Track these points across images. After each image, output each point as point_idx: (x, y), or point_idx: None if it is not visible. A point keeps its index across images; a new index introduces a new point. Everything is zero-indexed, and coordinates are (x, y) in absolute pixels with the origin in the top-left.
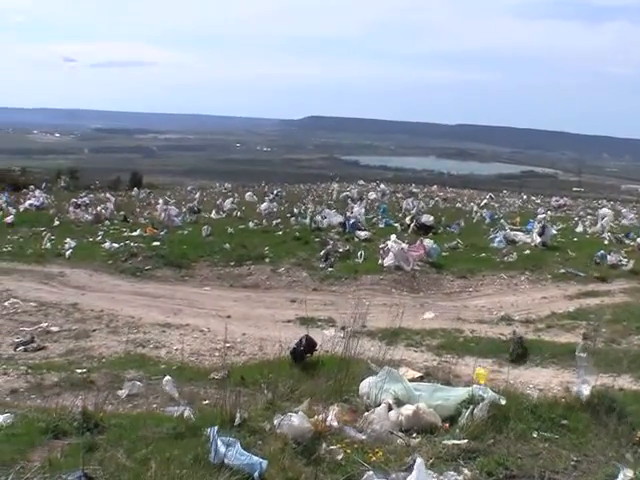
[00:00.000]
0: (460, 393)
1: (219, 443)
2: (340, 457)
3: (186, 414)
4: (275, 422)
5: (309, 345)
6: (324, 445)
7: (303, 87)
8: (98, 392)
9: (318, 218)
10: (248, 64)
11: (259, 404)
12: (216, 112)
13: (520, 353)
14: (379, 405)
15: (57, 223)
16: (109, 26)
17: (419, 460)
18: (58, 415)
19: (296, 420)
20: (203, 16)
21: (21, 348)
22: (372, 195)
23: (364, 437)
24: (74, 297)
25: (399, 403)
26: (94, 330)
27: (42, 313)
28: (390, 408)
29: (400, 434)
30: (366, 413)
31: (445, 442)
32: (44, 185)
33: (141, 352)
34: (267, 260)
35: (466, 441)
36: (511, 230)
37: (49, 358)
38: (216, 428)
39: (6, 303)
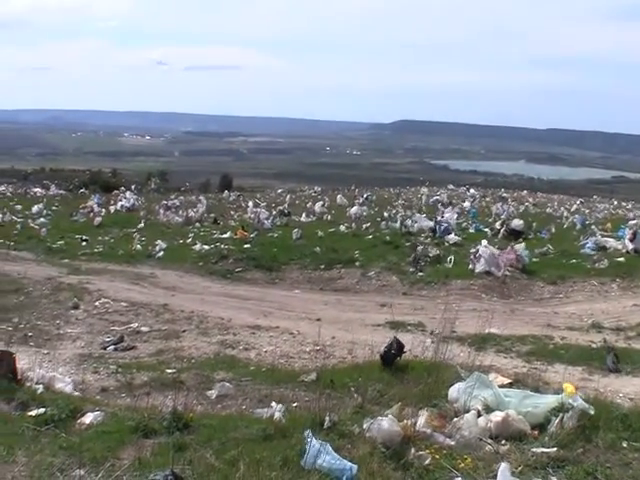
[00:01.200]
0: (550, 401)
1: (313, 446)
2: (428, 463)
3: (276, 416)
4: (364, 426)
5: (399, 348)
6: (413, 450)
7: (394, 91)
8: (188, 392)
9: (408, 222)
10: (339, 68)
11: (348, 407)
12: (307, 116)
13: (616, 363)
14: (468, 411)
15: (147, 224)
16: (201, 30)
17: (504, 465)
18: (148, 414)
19: (386, 424)
20: (295, 20)
21: (111, 347)
22: (465, 203)
23: (453, 443)
24: (164, 298)
25: (488, 409)
26: (184, 331)
27: (133, 313)
28: (479, 414)
29: (489, 441)
30: (455, 419)
31: (534, 450)
32: (135, 187)
33: (231, 353)
34: (357, 264)
35: (555, 449)
36: (602, 236)
37: (139, 358)
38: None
39: (97, 303)
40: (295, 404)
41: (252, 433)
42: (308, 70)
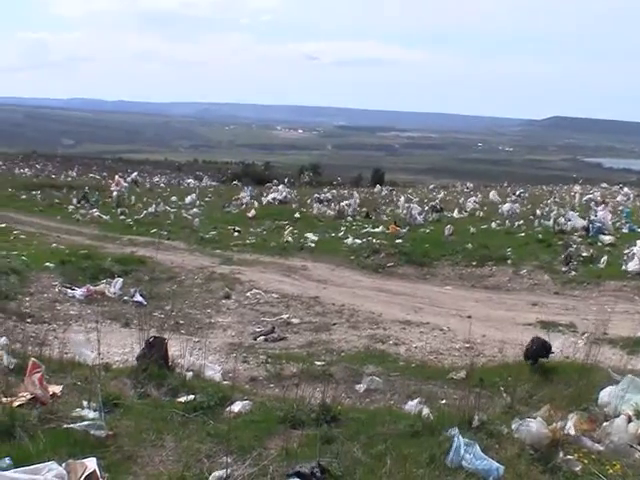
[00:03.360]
0: None
1: (461, 444)
2: (577, 468)
3: (424, 413)
4: (513, 426)
5: (542, 347)
6: (561, 454)
7: (548, 87)
8: (337, 385)
9: (561, 220)
10: (491, 62)
11: (497, 407)
12: (459, 111)
13: None
14: (618, 416)
15: (299, 217)
16: (352, 25)
17: None
18: (296, 405)
19: (534, 426)
20: (446, 15)
21: (262, 338)
22: (618, 198)
23: (601, 448)
24: (315, 290)
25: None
26: (334, 324)
27: (283, 305)
28: (630, 420)
29: (639, 448)
30: (605, 424)
31: None
32: (287, 180)
33: (380, 348)
34: (509, 261)
35: None
36: None
37: (289, 349)
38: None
39: (249, 294)
40: (443, 401)
41: (399, 429)
42: (460, 65)
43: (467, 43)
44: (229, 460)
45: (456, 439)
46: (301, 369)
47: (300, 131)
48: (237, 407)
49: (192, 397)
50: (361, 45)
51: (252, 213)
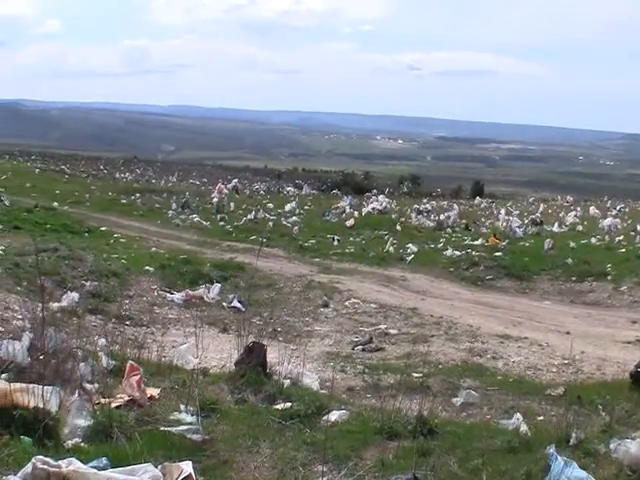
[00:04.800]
0: None
1: (559, 462)
2: None
3: (521, 429)
4: (611, 446)
5: None
6: None
7: None
8: (434, 398)
9: None
10: (593, 75)
11: (595, 426)
12: (560, 124)
13: None
14: None
15: (399, 228)
16: (453, 35)
17: None
18: (393, 416)
19: (633, 447)
20: (551, 26)
21: (359, 347)
22: None
23: None
24: (414, 301)
25: None
26: (432, 336)
27: (382, 315)
28: None
29: None
30: None
31: None
32: (387, 190)
33: (478, 361)
34: (609, 278)
35: None
36: None
37: (386, 359)
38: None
39: (347, 303)
40: (541, 418)
41: (496, 444)
42: (562, 77)
43: (566, 56)
44: (325, 469)
45: (554, 457)
46: (398, 380)
47: (400, 141)
48: (334, 416)
49: (289, 405)
50: (462, 56)
51: (351, 222)
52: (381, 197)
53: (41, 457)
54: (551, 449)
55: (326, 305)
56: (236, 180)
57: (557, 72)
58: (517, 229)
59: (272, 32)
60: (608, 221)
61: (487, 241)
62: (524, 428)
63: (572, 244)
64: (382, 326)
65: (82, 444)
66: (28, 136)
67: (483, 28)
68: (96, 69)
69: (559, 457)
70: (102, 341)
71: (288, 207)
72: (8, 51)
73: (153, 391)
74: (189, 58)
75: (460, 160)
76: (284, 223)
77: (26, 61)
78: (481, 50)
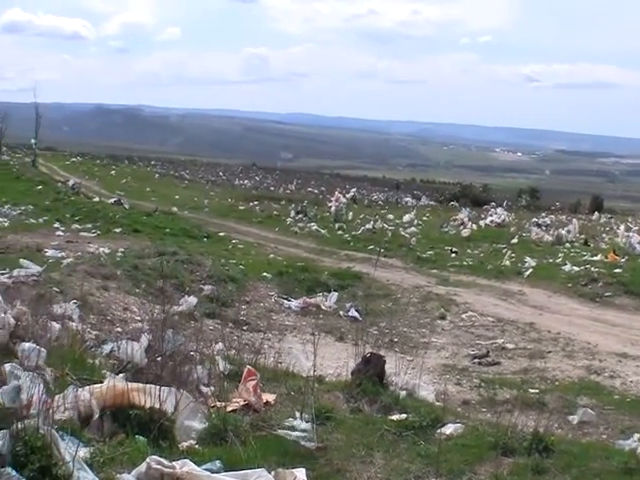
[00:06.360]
0: None
1: None
2: None
3: (639, 450)
4: None
5: None
6: None
7: None
8: (550, 415)
9: None
10: None
11: None
12: None
13: None
14: None
15: (517, 241)
16: (573, 47)
17: None
18: (509, 432)
19: None
20: None
21: (476, 361)
22: None
23: None
24: (531, 316)
25: None
26: (549, 352)
27: (499, 329)
28: None
29: None
30: None
31: None
32: (505, 203)
33: (595, 380)
34: None
35: None
36: None
37: (502, 374)
38: None
39: (464, 315)
40: None
41: (612, 465)
42: None
43: None
44: None
45: None
46: (514, 396)
47: (519, 154)
48: (449, 429)
49: (404, 416)
50: (583, 67)
51: (469, 234)
52: (499, 210)
53: (155, 457)
54: None
55: (443, 317)
56: (354, 190)
57: None
58: (637, 245)
59: (390, 42)
60: None
61: (606, 257)
62: None
63: None
64: (499, 340)
65: (196, 446)
66: (148, 141)
67: (604, 39)
68: (215, 76)
69: None
70: (219, 345)
71: (406, 218)
72: (130, 58)
73: (269, 397)
74: (308, 66)
75: (579, 174)
76: (402, 234)
77: (147, 68)
78: (602, 62)
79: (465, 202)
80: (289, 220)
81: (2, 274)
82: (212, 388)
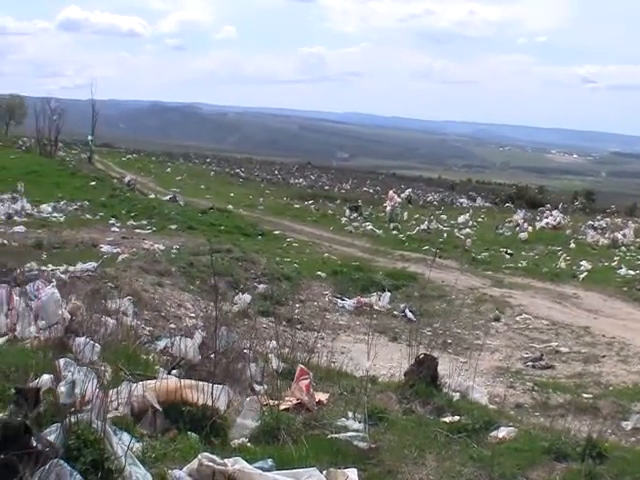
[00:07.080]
0: None
1: None
2: None
3: None
4: None
5: None
6: None
7: None
8: (603, 420)
9: None
10: None
11: None
12: None
13: None
14: None
15: (572, 244)
16: (630, 48)
17: None
18: (562, 437)
19: None
20: None
21: (530, 364)
22: None
23: None
24: (586, 320)
25: None
26: (603, 356)
27: (553, 332)
28: None
29: None
30: None
31: None
32: (561, 205)
33: None
34: None
35: None
36: None
37: (556, 378)
38: None
39: (518, 318)
40: None
41: None
42: None
43: None
44: None
45: None
46: (568, 400)
47: (575, 156)
48: (502, 433)
49: (457, 418)
50: (639, 69)
51: (524, 236)
52: (555, 212)
53: (207, 454)
54: None
55: (497, 319)
56: (410, 190)
57: None
58: None
59: (447, 42)
60: None
61: None
62: None
63: None
64: (553, 343)
65: (248, 444)
66: (204, 139)
67: None
68: (271, 75)
69: None
70: (273, 343)
71: (461, 219)
72: (187, 56)
73: (322, 396)
74: (364, 66)
75: (635, 177)
76: (457, 235)
77: (204, 65)
78: None
79: (520, 204)
80: (344, 219)
81: (58, 269)
82: (265, 386)
